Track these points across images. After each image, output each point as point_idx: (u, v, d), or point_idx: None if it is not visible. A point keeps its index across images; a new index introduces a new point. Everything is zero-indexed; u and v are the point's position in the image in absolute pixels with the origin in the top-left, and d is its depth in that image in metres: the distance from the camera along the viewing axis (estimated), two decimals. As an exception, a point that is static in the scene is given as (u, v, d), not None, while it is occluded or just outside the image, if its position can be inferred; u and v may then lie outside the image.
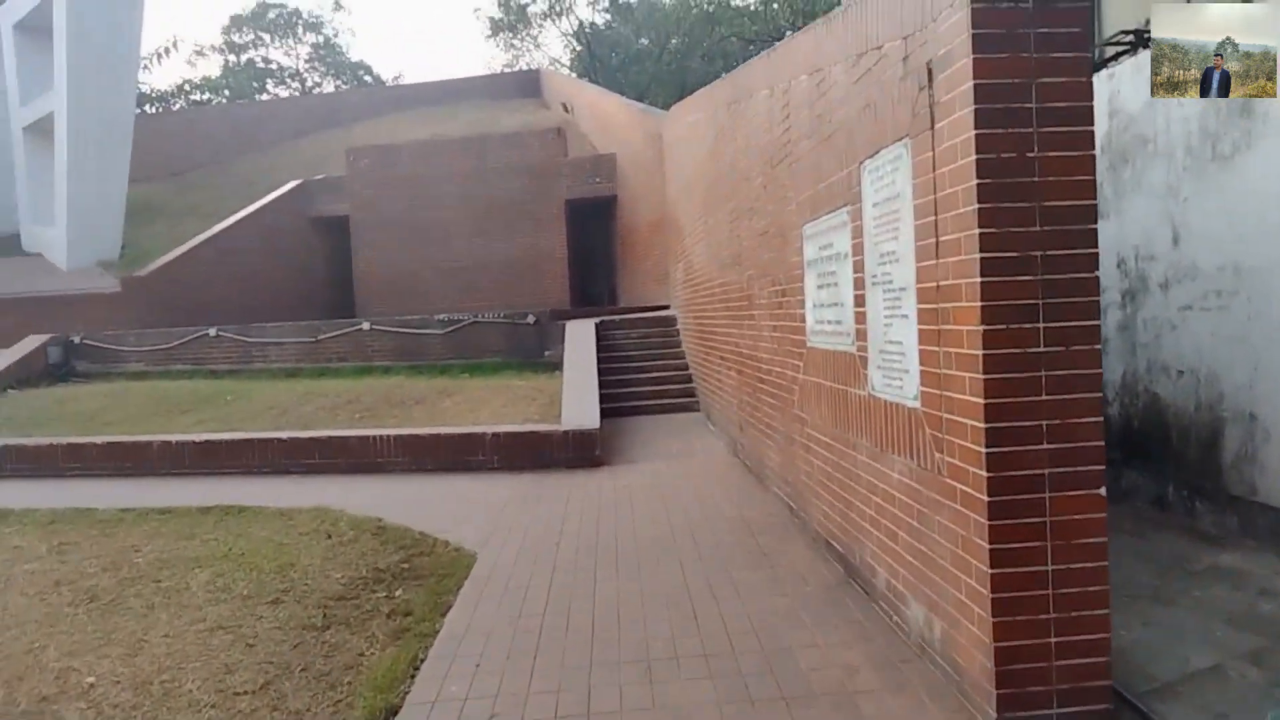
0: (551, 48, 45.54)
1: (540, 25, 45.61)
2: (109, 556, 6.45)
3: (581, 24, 44.36)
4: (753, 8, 34.92)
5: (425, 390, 12.20)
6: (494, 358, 14.11)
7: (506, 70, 42.97)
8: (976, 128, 3.04)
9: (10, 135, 22.39)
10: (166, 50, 31.73)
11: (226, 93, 42.78)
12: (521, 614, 4.74)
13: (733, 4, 37.03)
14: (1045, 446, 3.04)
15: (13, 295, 18.51)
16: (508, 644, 4.32)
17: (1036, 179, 3.04)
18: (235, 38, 47.59)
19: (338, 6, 55.36)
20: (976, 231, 3.05)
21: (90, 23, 19.95)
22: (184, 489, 9.10)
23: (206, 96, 39.13)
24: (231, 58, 46.75)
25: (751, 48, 29.03)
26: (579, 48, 44.70)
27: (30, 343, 15.41)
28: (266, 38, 48.66)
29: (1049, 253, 3.04)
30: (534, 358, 13.95)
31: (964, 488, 3.22)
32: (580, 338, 12.50)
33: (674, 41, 39.75)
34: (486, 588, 5.24)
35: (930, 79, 3.38)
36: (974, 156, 3.05)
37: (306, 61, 49.93)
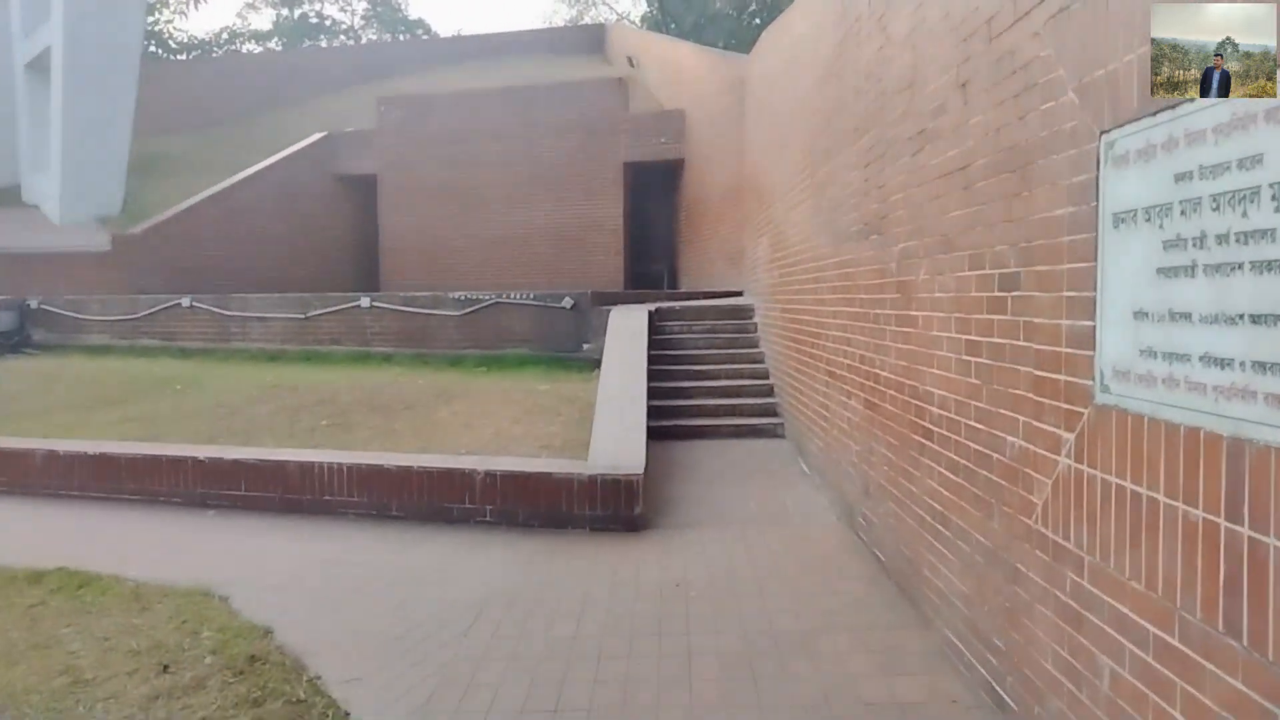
0: (620, 3, 42.21)
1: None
2: None
3: (654, -27, 40.93)
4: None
5: (423, 390, 9.36)
6: (519, 349, 11.21)
7: (569, 25, 39.81)
8: None
9: (14, 75, 20.10)
10: (204, -7, 29.01)
11: (277, 44, 40.46)
12: None
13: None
14: None
15: (-12, 250, 16.18)
16: None
17: None
18: (288, -11, 45.22)
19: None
20: None
21: (93, -56, 17.49)
22: (51, 523, 6.47)
23: (248, 48, 36.77)
24: (284, 11, 44.36)
25: None
26: (650, 9, 41.40)
27: (-25, 305, 12.96)
28: (322, -10, 46.23)
29: None
30: (569, 351, 11.02)
31: None
32: (627, 331, 9.52)
33: (753, 6, 36.27)
34: None
35: None
36: None
37: (362, 18, 47.44)
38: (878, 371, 4.95)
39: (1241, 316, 1.86)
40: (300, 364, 11.34)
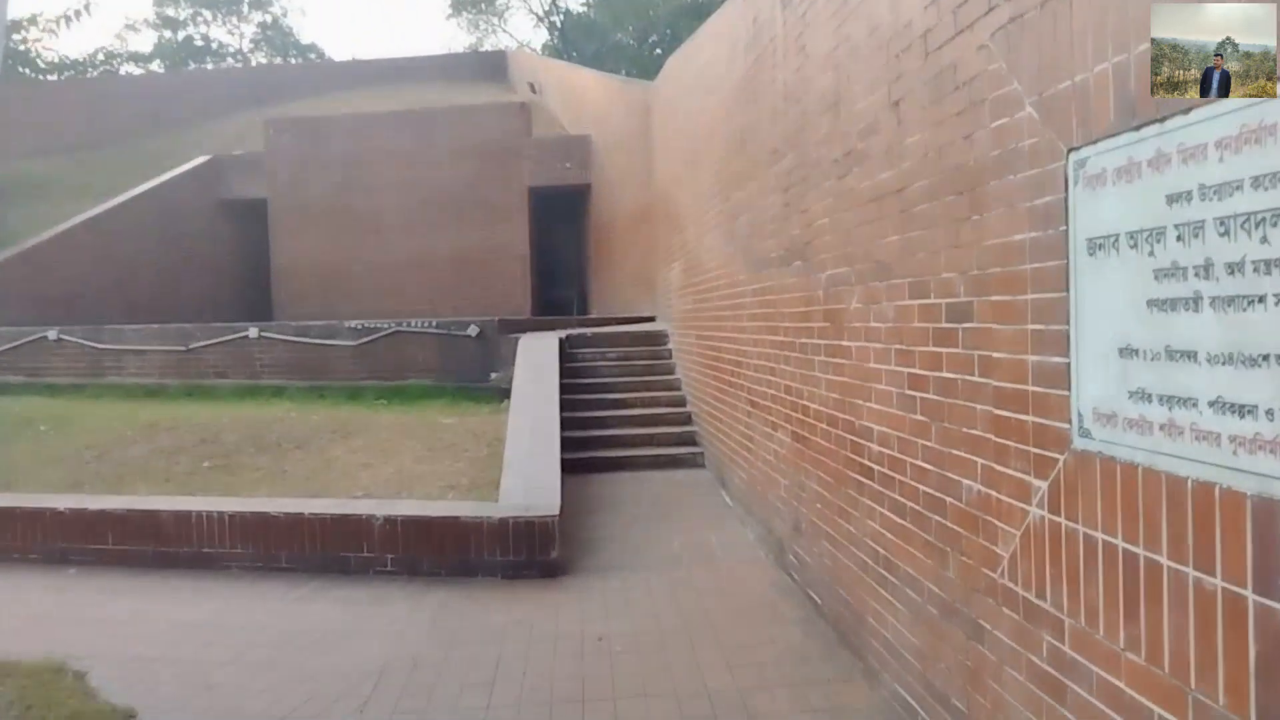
0: (520, 32, 42.09)
1: (508, 3, 42.13)
2: None
3: (554, 2, 40.94)
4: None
5: (316, 426, 8.75)
6: (421, 379, 10.67)
7: (469, 52, 39.26)
8: None
9: None
10: (77, 14, 27.33)
11: (159, 67, 38.65)
12: None
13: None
14: None
15: None
16: None
17: None
18: (170, 11, 43.17)
19: (287, -18, 51.36)
20: None
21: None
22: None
23: (127, 70, 35.02)
24: (166, 33, 42.37)
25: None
26: (551, 39, 41.30)
27: None
28: (207, 14, 44.35)
29: None
30: (475, 381, 10.53)
31: None
32: (537, 359, 9.12)
33: (654, 37, 36.60)
34: None
35: None
36: None
37: (251, 41, 45.77)
38: (806, 404, 4.70)
39: (1266, 357, 1.62)
40: (181, 400, 10.53)
